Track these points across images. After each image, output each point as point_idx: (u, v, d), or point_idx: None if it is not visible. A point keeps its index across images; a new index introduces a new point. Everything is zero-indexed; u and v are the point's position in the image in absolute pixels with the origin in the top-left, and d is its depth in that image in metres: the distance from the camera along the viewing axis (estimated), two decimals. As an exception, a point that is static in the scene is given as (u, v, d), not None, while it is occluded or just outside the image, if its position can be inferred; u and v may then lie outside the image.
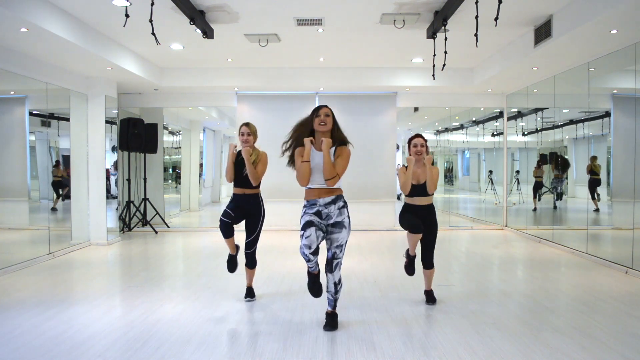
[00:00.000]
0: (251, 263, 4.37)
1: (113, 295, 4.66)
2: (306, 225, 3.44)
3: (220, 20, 5.70)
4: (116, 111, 8.15)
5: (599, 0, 4.59)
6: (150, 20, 4.54)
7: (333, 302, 3.68)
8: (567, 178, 8.16)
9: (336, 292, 3.63)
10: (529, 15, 5.52)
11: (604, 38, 5.32)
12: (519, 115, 9.22)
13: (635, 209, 5.57)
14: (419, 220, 4.13)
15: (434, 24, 5.56)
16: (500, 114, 9.54)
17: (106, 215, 7.56)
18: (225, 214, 4.16)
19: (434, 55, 5.95)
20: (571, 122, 7.83)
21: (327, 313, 3.72)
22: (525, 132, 9.22)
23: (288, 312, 4.05)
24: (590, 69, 6.37)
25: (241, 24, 5.88)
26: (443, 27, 5.38)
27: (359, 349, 3.24)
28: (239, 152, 4.30)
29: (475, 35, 4.61)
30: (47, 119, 7.06)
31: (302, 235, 3.45)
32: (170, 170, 10.87)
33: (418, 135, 4.26)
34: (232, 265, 4.46)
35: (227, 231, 4.17)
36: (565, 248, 6.87)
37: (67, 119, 7.26)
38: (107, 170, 8.05)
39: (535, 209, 8.75)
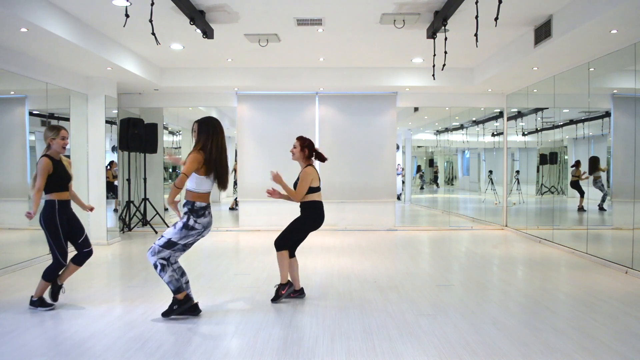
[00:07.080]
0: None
1: (113, 295, 4.66)
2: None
3: (220, 20, 5.70)
4: (116, 111, 8.14)
5: (599, 0, 4.59)
6: (150, 20, 4.54)
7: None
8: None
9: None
10: (529, 15, 5.52)
11: (604, 38, 5.32)
12: (519, 115, 9.22)
13: (635, 209, 5.57)
14: None
15: (434, 24, 5.56)
16: (500, 114, 9.54)
17: (106, 215, 7.56)
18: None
19: (434, 55, 5.95)
20: (571, 122, 7.83)
21: None
22: (525, 132, 9.23)
23: (288, 312, 4.05)
24: (590, 69, 6.37)
25: (241, 24, 5.88)
26: (443, 27, 5.38)
27: (359, 349, 3.24)
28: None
29: (475, 35, 4.62)
30: (47, 119, 7.06)
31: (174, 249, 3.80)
32: (170, 170, 10.88)
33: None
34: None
35: None
36: (565, 248, 6.86)
37: (67, 119, 7.25)
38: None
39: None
